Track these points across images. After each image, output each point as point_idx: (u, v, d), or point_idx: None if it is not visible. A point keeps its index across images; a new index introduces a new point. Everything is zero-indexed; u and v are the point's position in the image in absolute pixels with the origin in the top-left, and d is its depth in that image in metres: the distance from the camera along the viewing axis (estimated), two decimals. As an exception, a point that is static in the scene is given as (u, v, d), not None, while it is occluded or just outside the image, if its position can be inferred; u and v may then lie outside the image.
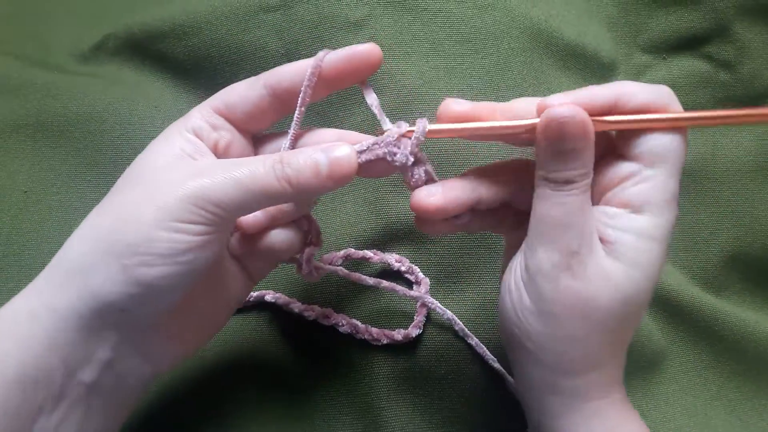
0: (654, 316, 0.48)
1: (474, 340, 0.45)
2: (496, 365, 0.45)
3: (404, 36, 0.49)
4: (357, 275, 0.41)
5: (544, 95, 0.49)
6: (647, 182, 0.31)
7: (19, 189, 0.49)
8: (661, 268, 0.31)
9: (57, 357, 0.29)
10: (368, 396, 0.45)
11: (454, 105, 0.33)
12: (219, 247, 0.32)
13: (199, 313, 0.35)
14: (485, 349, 0.44)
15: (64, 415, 0.30)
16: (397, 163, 0.33)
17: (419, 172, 0.34)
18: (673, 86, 0.51)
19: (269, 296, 0.46)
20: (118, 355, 0.31)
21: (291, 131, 0.35)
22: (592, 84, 0.50)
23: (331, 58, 0.33)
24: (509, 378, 0.44)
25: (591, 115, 0.31)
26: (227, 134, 0.34)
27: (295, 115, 0.34)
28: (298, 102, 0.34)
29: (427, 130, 0.33)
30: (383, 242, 0.48)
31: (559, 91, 0.53)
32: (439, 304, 0.44)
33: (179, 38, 0.51)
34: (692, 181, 0.50)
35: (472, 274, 0.47)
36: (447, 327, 0.46)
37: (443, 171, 0.48)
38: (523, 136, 0.33)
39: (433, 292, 0.47)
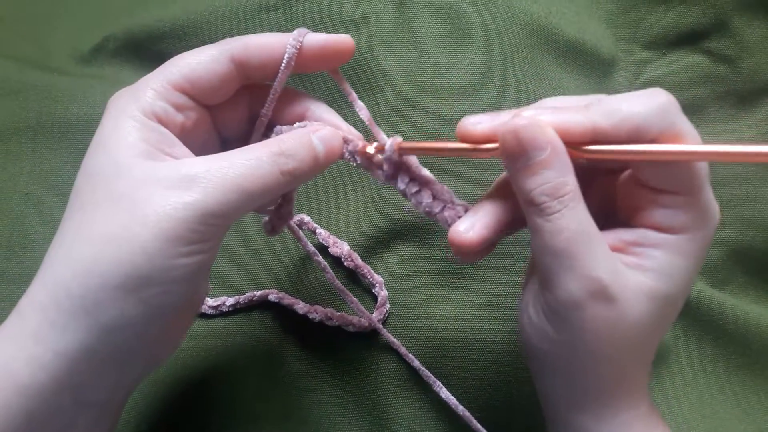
0: (658, 310, 0.48)
1: (416, 363, 0.45)
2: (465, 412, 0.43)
3: (405, 33, 0.49)
4: (317, 257, 0.42)
5: (546, 92, 0.49)
6: (681, 208, 0.28)
7: (20, 191, 0.49)
8: (694, 279, 0.29)
9: (68, 397, 0.28)
10: (374, 393, 0.45)
11: (471, 127, 0.30)
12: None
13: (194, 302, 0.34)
14: (430, 374, 0.44)
15: None
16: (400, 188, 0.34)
17: (427, 199, 0.33)
18: (673, 81, 0.52)
19: (273, 296, 0.46)
20: (127, 370, 0.30)
21: (265, 111, 0.33)
22: (591, 80, 0.51)
23: (307, 40, 0.32)
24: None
25: (573, 142, 0.28)
26: (193, 113, 0.32)
27: (269, 98, 0.33)
28: (275, 86, 0.32)
29: (396, 147, 0.32)
30: (386, 240, 0.48)
31: (560, 87, 0.53)
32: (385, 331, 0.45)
33: (179, 38, 0.51)
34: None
35: (477, 270, 0.47)
36: (450, 324, 0.46)
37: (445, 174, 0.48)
38: None
39: (437, 288, 0.47)
